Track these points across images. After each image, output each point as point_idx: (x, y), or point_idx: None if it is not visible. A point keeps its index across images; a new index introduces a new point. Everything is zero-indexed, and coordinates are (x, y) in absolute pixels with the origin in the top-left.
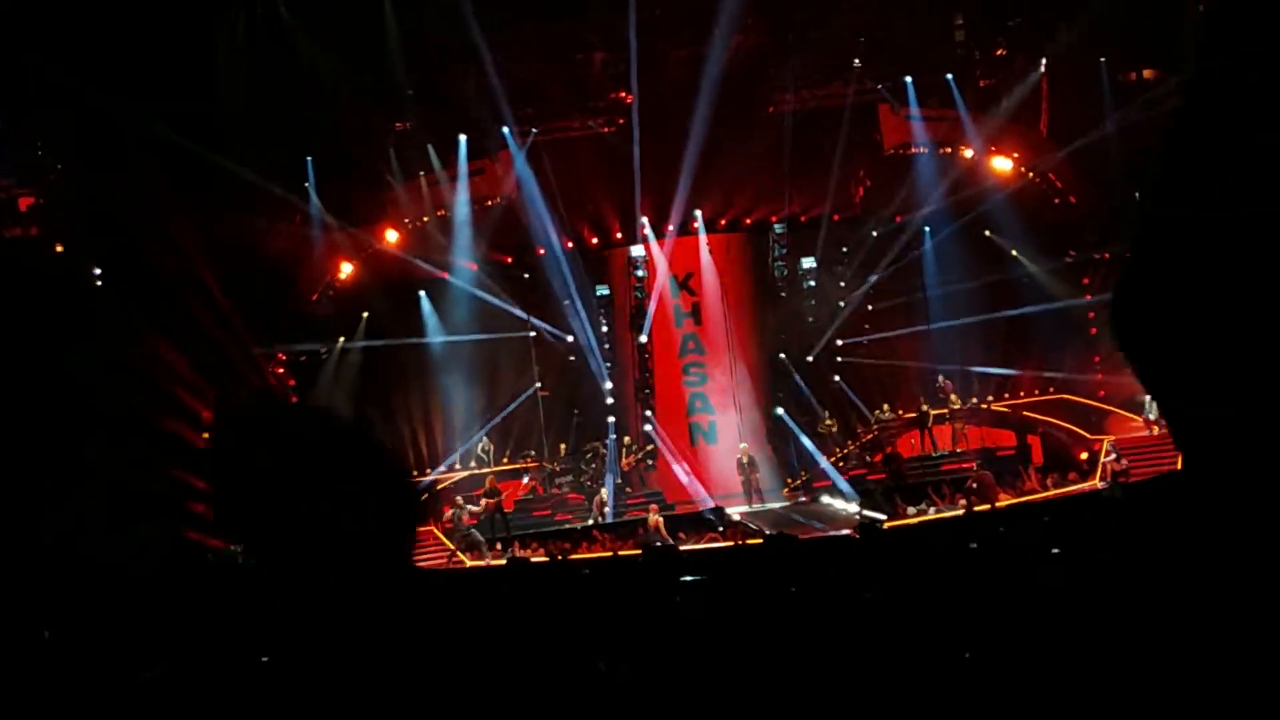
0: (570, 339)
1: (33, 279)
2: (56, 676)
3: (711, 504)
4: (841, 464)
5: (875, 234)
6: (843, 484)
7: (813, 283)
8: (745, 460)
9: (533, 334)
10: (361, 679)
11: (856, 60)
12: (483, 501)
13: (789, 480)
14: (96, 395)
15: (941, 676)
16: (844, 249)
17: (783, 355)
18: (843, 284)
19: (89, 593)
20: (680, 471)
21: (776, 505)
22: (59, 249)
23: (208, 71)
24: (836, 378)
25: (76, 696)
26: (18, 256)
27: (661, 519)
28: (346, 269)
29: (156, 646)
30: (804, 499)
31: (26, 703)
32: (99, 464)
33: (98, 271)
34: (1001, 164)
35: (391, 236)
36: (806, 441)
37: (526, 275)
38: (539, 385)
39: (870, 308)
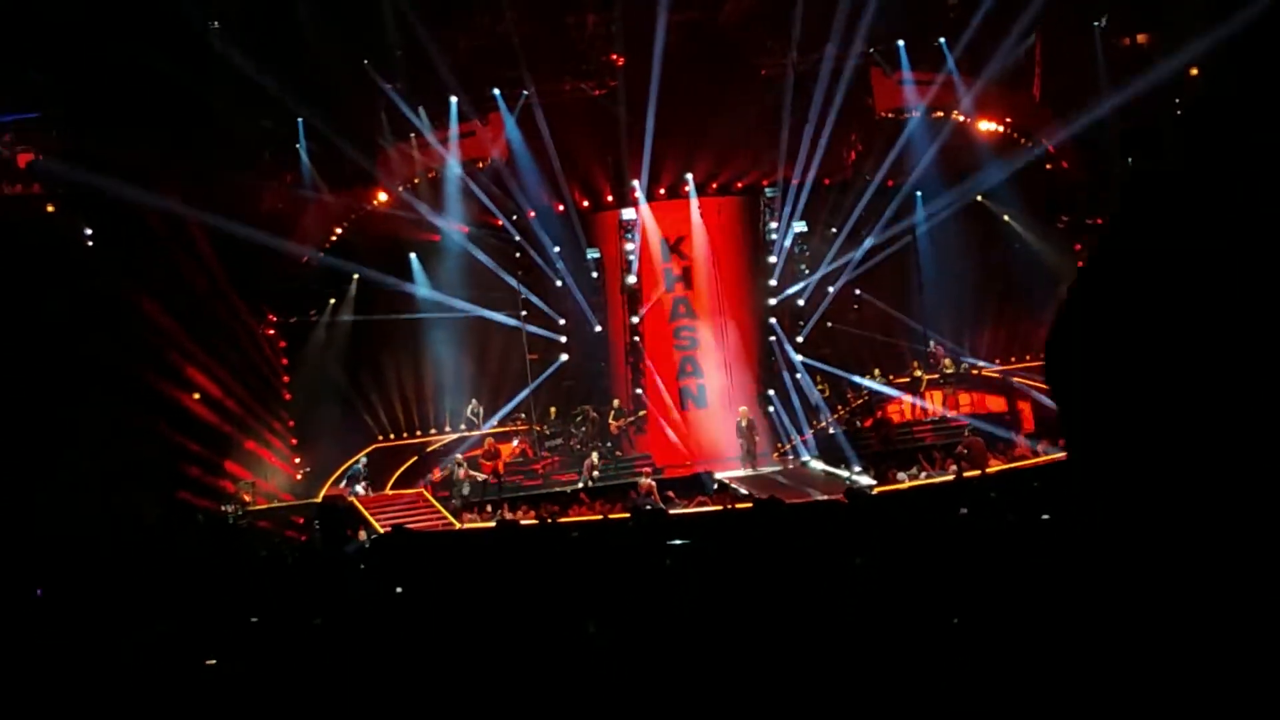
0: (562, 322)
1: (27, 238)
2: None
3: (700, 466)
4: (831, 429)
5: (867, 198)
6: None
7: (803, 247)
8: (744, 424)
9: (524, 313)
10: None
11: (849, 23)
12: (480, 463)
13: (779, 445)
14: (88, 355)
15: (928, 640)
16: (835, 213)
17: (773, 320)
18: (833, 248)
19: (83, 551)
20: (670, 434)
21: (767, 470)
22: (50, 209)
23: (200, 31)
24: (828, 326)
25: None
26: (11, 215)
27: (654, 482)
28: (338, 231)
29: (154, 602)
30: (794, 464)
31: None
32: (90, 423)
33: (89, 231)
34: (991, 127)
35: (386, 195)
36: (797, 406)
37: (517, 238)
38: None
39: (860, 271)
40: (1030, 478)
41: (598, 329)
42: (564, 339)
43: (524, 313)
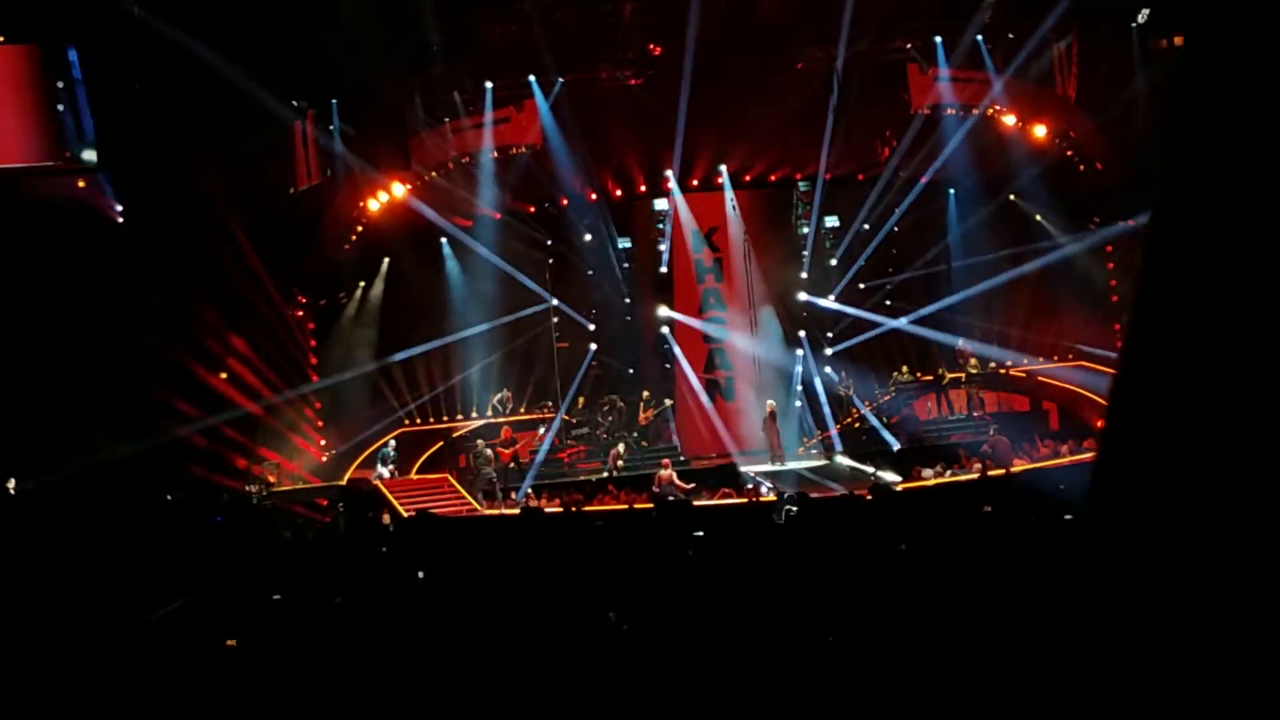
0: (593, 311)
1: (58, 214)
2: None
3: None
4: (858, 425)
5: (900, 194)
6: (885, 434)
7: (835, 242)
8: (770, 418)
9: (555, 301)
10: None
11: (886, 18)
12: (498, 451)
13: (804, 439)
14: (117, 333)
15: (948, 634)
16: (868, 209)
17: (804, 314)
18: (866, 245)
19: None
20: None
21: (793, 464)
22: (81, 184)
23: (236, 11)
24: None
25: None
26: (42, 191)
27: (675, 473)
28: (374, 206)
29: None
30: (820, 459)
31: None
32: (118, 402)
33: (120, 208)
34: (1031, 129)
35: (408, 186)
36: (824, 402)
37: (549, 224)
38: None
39: (891, 270)
40: (1055, 478)
41: (627, 319)
42: (593, 328)
43: (554, 301)
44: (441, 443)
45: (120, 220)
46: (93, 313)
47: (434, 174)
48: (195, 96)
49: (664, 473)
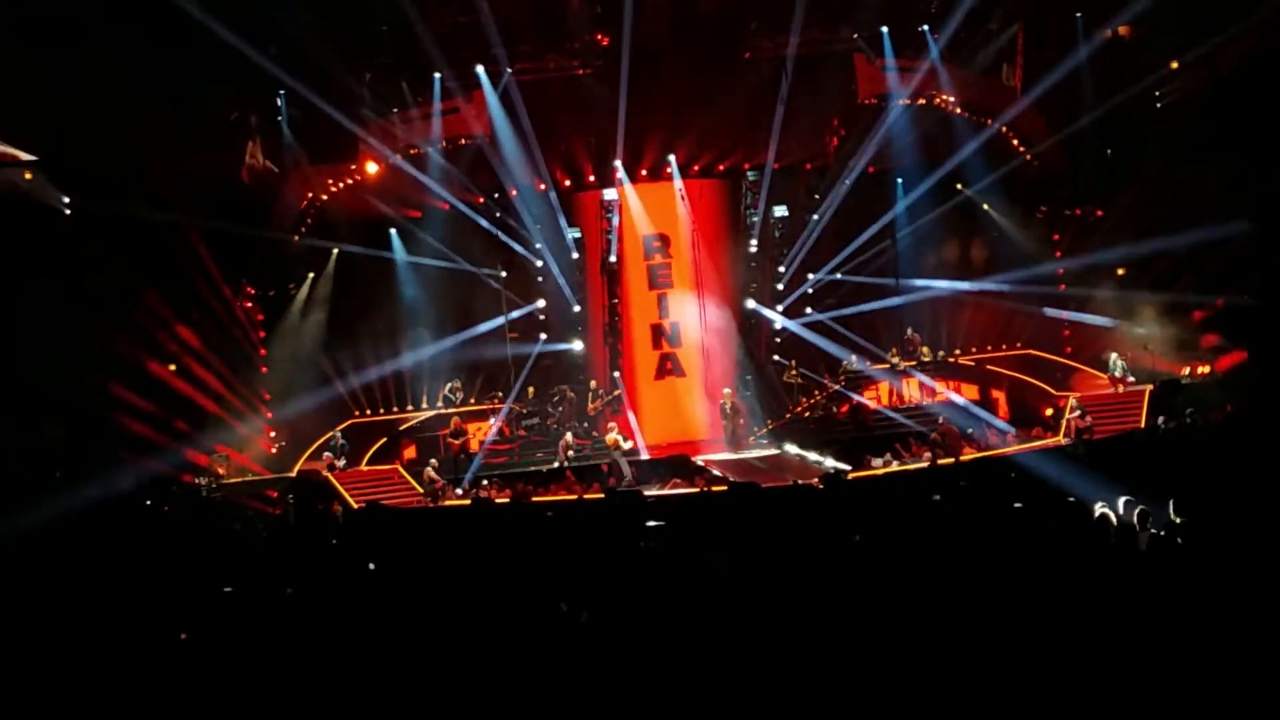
0: (542, 302)
1: (3, 205)
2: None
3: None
4: (808, 414)
5: (848, 184)
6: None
7: (783, 231)
8: (728, 406)
9: (504, 274)
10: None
11: (833, 8)
12: (450, 442)
13: (756, 428)
14: (61, 323)
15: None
16: (816, 197)
17: (752, 302)
18: (813, 234)
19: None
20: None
21: (746, 454)
22: (28, 176)
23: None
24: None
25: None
26: None
27: (621, 438)
28: (317, 205)
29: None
30: (771, 447)
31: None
32: (60, 392)
33: (66, 200)
34: (976, 117)
35: (370, 169)
36: (775, 390)
37: (498, 215)
38: (506, 320)
39: (840, 259)
40: (1004, 466)
41: (576, 309)
42: (543, 318)
43: (504, 273)
44: (391, 434)
45: (67, 213)
46: (37, 303)
47: (383, 164)
48: (142, 86)
49: (610, 437)
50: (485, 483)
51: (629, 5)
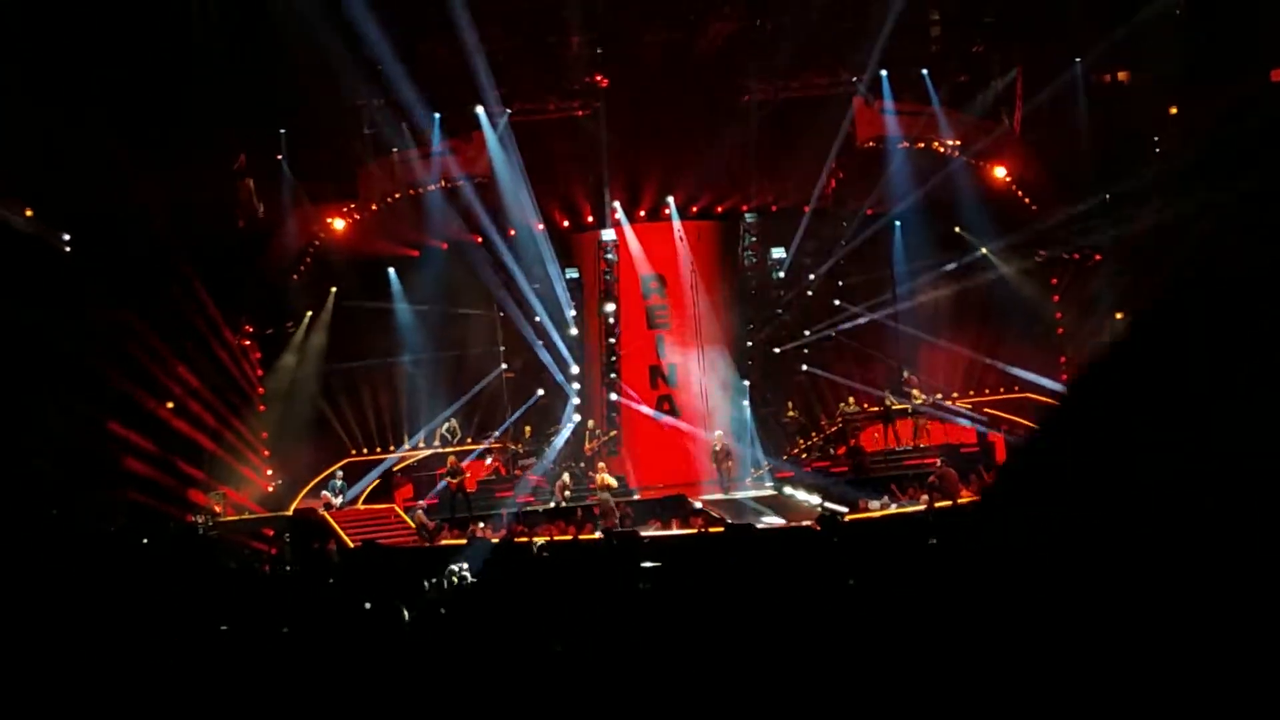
0: (540, 343)
1: (3, 243)
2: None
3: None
4: (805, 456)
5: (846, 226)
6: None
7: (781, 273)
8: (719, 449)
9: (501, 314)
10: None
11: (831, 52)
12: (448, 481)
13: (752, 469)
14: (62, 361)
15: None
16: (814, 240)
17: (750, 344)
18: (812, 276)
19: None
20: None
21: (740, 495)
22: (28, 213)
23: (182, 43)
24: (804, 367)
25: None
26: None
27: (611, 478)
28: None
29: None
30: (769, 490)
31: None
32: (60, 430)
33: (66, 237)
34: (975, 161)
35: (346, 221)
36: (772, 432)
37: (497, 255)
38: (505, 367)
39: (838, 301)
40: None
41: (575, 350)
42: (541, 341)
43: (500, 314)
44: (388, 473)
45: (67, 250)
46: (36, 339)
47: (382, 203)
48: (142, 126)
49: (600, 477)
50: (482, 524)
51: (628, 47)
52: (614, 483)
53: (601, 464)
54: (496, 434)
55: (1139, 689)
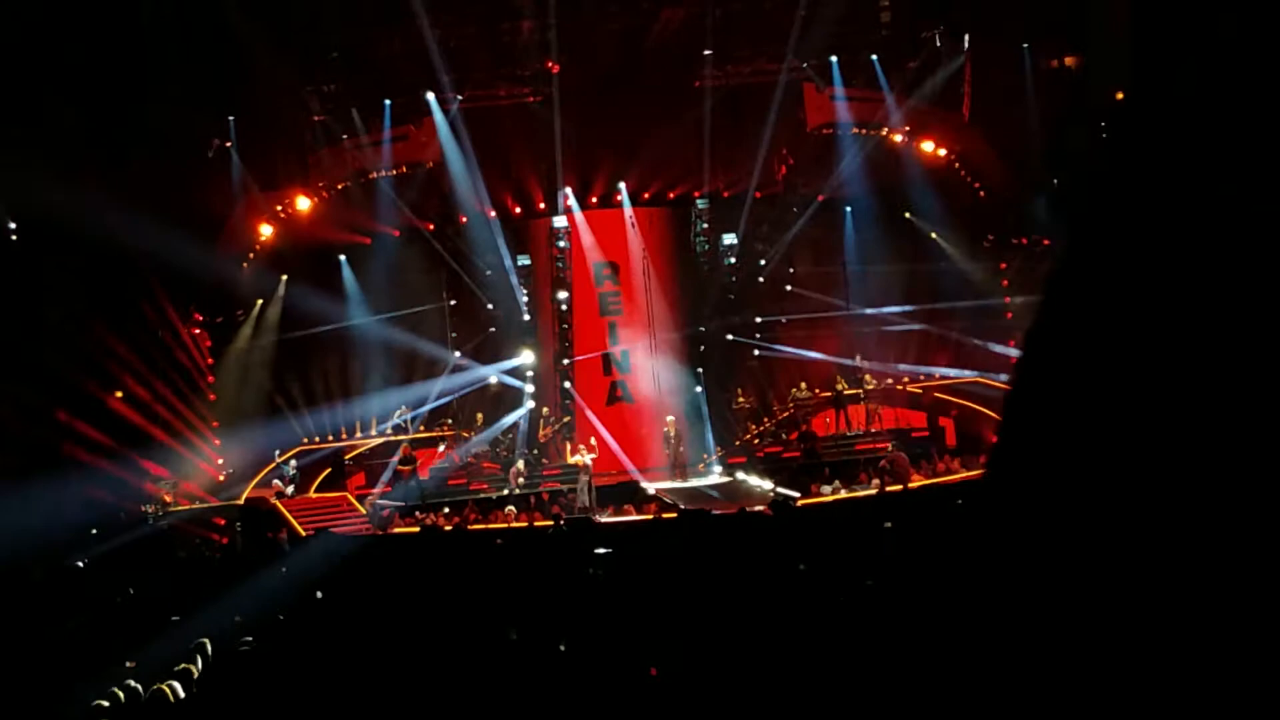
0: (492, 330)
1: None
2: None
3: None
4: (757, 441)
5: (797, 212)
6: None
7: (733, 259)
8: (672, 434)
9: (453, 302)
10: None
11: (782, 38)
12: (400, 469)
13: (705, 455)
14: (5, 349)
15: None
16: (765, 226)
17: (702, 330)
18: (763, 261)
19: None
20: (607, 437)
21: (695, 481)
22: None
23: (130, 29)
24: (756, 352)
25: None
26: None
27: (588, 457)
28: (266, 231)
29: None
30: (721, 475)
31: None
32: (6, 419)
33: (13, 225)
34: (925, 147)
35: (307, 203)
36: (724, 418)
37: (448, 242)
38: (457, 354)
39: (790, 287)
40: (952, 493)
41: (526, 337)
42: (493, 329)
43: (453, 301)
44: (340, 461)
45: (14, 238)
46: None
47: (333, 191)
48: (89, 112)
49: (582, 459)
50: (433, 513)
51: (580, 34)
52: (589, 462)
53: (583, 445)
54: (449, 421)
55: (1128, 682)
